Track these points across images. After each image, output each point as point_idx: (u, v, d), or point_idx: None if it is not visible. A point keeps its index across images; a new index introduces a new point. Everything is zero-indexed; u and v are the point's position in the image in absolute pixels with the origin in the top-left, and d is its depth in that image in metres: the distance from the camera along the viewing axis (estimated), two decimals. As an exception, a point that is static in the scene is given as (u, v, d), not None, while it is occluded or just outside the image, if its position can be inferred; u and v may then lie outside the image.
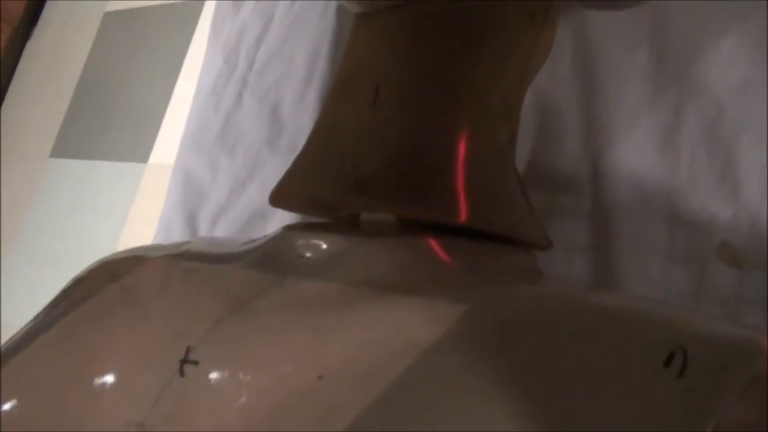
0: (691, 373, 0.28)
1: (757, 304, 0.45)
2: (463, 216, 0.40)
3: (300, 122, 0.68)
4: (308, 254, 0.39)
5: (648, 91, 0.53)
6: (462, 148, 0.41)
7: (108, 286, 0.41)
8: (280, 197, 0.45)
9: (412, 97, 0.42)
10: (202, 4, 1.91)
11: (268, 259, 0.40)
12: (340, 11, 0.69)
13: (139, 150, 1.88)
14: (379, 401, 0.30)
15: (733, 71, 0.50)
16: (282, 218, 0.63)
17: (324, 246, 0.39)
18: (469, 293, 0.35)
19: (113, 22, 2.18)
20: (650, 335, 0.31)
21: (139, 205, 1.79)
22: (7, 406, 0.36)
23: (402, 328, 0.33)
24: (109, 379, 0.36)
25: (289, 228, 0.43)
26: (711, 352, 0.29)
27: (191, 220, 0.69)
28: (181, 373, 0.34)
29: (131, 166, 1.87)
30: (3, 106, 2.25)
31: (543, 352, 0.30)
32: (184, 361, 0.34)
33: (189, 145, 0.73)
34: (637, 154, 0.52)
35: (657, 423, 0.27)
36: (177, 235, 0.69)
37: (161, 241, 0.69)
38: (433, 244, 0.40)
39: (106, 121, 2.01)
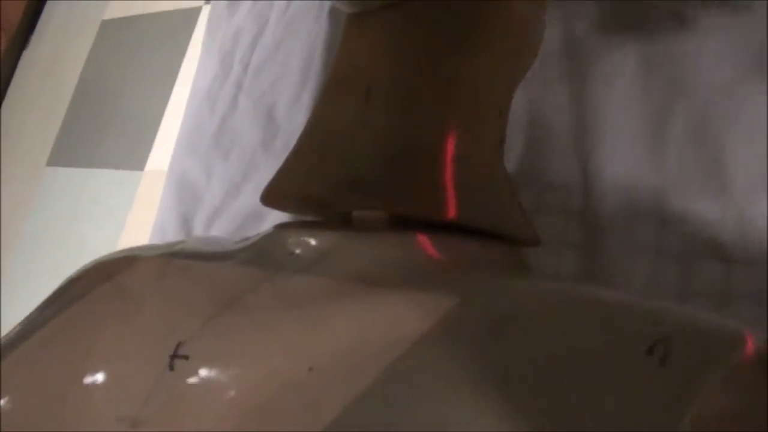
0: (672, 361, 0.28)
1: (746, 298, 0.45)
2: (452, 212, 0.40)
3: (295, 124, 0.68)
4: (299, 251, 0.40)
5: (636, 92, 0.54)
6: (452, 147, 0.42)
7: (101, 285, 0.42)
8: (271, 196, 0.45)
9: (403, 97, 0.42)
10: (199, 12, 1.92)
11: (260, 256, 0.41)
12: (334, 14, 0.70)
13: (136, 158, 1.88)
14: (367, 393, 0.30)
15: (719, 71, 0.51)
16: (276, 219, 0.64)
17: (315, 242, 0.40)
18: (458, 287, 0.36)
19: (110, 30, 2.19)
20: (634, 325, 0.31)
21: (136, 212, 1.80)
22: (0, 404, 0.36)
23: (391, 321, 0.33)
24: (101, 376, 0.36)
25: (281, 226, 0.43)
26: (693, 342, 0.30)
27: (186, 223, 0.69)
28: (171, 368, 0.34)
29: (128, 174, 1.88)
30: (0, 115, 2.25)
31: (530, 345, 0.31)
32: (174, 356, 0.34)
33: (184, 147, 0.74)
34: (626, 153, 0.52)
35: (639, 411, 0.28)
36: (172, 237, 0.69)
37: (156, 243, 0.69)
38: (423, 240, 0.40)
39: (103, 129, 2.01)
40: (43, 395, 0.36)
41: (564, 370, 0.29)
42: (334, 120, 0.44)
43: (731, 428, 0.37)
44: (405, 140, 0.42)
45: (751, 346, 0.31)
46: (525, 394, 0.28)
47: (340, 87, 0.45)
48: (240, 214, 0.67)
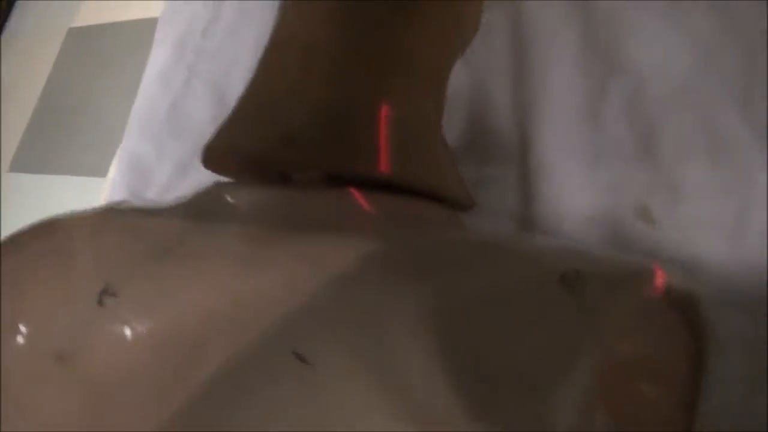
0: (584, 291, 0.30)
1: (671, 261, 0.47)
2: (385, 168, 0.41)
3: (246, 108, 0.69)
4: (234, 203, 0.40)
5: (577, 68, 0.55)
6: (386, 109, 0.43)
7: (40, 239, 0.42)
8: (211, 153, 0.46)
9: (340, 60, 0.44)
10: (167, 21, 1.92)
11: (197, 209, 0.42)
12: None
13: (100, 165, 1.87)
14: (288, 321, 0.31)
15: (655, 47, 0.53)
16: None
17: (250, 195, 0.41)
18: (388, 233, 0.37)
19: (78, 37, 2.19)
20: (548, 259, 0.32)
21: (100, 219, 1.78)
22: None
23: (318, 259, 0.34)
24: (33, 317, 0.36)
25: (220, 183, 0.44)
26: (603, 273, 0.31)
27: (135, 199, 0.69)
28: (100, 303, 0.35)
29: (92, 181, 1.87)
30: (-36, 120, 2.23)
31: (453, 283, 0.32)
32: (103, 293, 0.35)
33: (135, 129, 0.74)
34: (563, 127, 0.54)
35: (554, 342, 0.29)
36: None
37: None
38: (357, 195, 0.41)
39: (68, 136, 2.00)
40: None
41: (483, 307, 0.30)
42: (273, 80, 0.45)
43: (642, 372, 0.38)
44: (341, 99, 0.43)
45: (661, 279, 0.32)
46: (449, 329, 0.29)
47: (280, 49, 0.46)
48: (189, 190, 0.67)
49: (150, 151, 0.71)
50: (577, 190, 0.51)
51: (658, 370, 0.39)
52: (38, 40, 2.24)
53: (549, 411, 0.28)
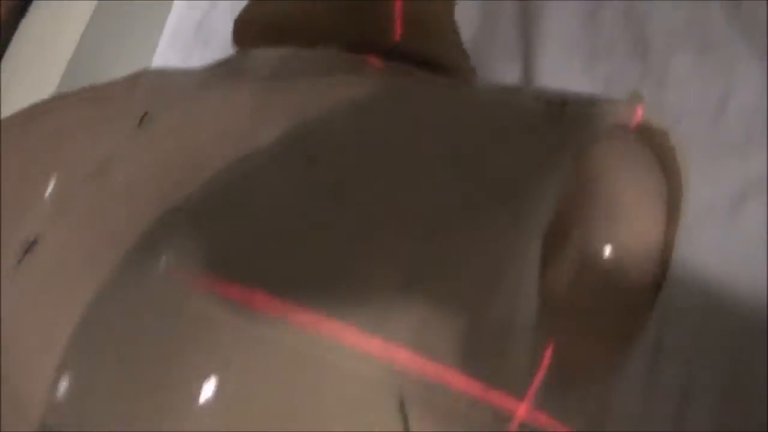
0: (568, 115, 0.34)
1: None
2: (397, 36, 0.46)
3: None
4: (253, 61, 0.45)
5: None
6: None
7: (79, 91, 0.47)
8: (239, 27, 0.50)
9: None
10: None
11: (222, 68, 0.46)
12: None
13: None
14: (300, 131, 0.35)
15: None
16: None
17: (268, 54, 0.45)
18: (397, 80, 0.41)
19: (108, 6, 2.23)
20: (533, 94, 0.36)
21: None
22: None
23: (329, 93, 0.38)
24: (76, 138, 0.41)
25: (242, 50, 0.49)
26: (587, 100, 0.35)
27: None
28: (140, 125, 0.39)
29: (117, 143, 1.91)
30: (-2, 79, 2.29)
31: (448, 124, 0.35)
32: (144, 117, 0.39)
33: (165, 45, 0.79)
34: (564, 29, 0.58)
35: (532, 159, 0.32)
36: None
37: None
38: (372, 58, 0.45)
39: (95, 100, 2.05)
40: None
41: (474, 139, 0.34)
42: None
43: (616, 213, 0.42)
44: None
45: (640, 114, 0.36)
46: (438, 162, 0.33)
47: None
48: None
49: (178, 61, 0.76)
50: (574, 82, 0.55)
51: (632, 214, 0.43)
52: (68, 7, 2.30)
53: (524, 216, 0.31)
